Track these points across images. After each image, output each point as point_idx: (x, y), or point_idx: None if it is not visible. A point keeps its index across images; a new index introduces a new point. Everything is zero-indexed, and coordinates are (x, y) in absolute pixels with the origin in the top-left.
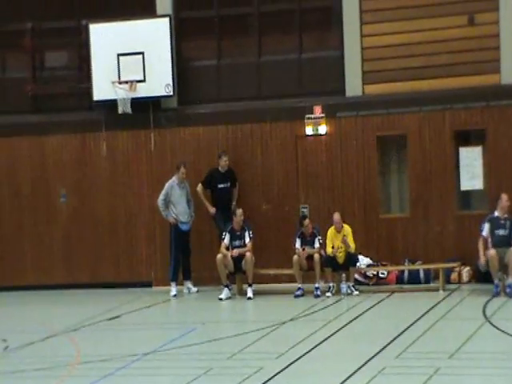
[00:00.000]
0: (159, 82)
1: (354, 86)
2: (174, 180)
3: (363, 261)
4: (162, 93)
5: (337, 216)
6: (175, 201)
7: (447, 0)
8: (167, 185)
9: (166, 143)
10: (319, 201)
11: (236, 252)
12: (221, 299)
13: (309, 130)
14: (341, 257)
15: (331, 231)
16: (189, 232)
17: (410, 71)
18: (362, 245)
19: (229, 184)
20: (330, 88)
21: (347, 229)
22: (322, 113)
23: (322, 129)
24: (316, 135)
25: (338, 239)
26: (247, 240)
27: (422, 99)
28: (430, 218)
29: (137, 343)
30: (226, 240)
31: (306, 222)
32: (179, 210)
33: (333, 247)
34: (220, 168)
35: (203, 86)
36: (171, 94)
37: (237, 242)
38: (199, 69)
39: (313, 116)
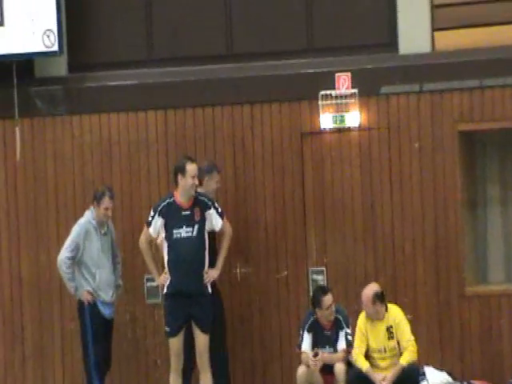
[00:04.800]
0: (31, 26)
1: (414, 34)
2: (89, 219)
3: (434, 377)
4: (38, 47)
5: (369, 290)
6: (93, 259)
7: None
8: (78, 228)
9: (45, 145)
10: (348, 258)
11: None
12: None
13: (326, 120)
14: (386, 368)
15: (362, 320)
16: (112, 321)
17: None
18: (432, 346)
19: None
20: (367, 40)
21: (396, 313)
22: (352, 87)
23: (353, 118)
24: (340, 130)
25: (377, 334)
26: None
27: None
28: None
29: None
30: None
31: (326, 300)
32: (100, 278)
33: (368, 354)
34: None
35: (119, 35)
36: (55, 49)
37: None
38: (109, 3)
39: (334, 93)
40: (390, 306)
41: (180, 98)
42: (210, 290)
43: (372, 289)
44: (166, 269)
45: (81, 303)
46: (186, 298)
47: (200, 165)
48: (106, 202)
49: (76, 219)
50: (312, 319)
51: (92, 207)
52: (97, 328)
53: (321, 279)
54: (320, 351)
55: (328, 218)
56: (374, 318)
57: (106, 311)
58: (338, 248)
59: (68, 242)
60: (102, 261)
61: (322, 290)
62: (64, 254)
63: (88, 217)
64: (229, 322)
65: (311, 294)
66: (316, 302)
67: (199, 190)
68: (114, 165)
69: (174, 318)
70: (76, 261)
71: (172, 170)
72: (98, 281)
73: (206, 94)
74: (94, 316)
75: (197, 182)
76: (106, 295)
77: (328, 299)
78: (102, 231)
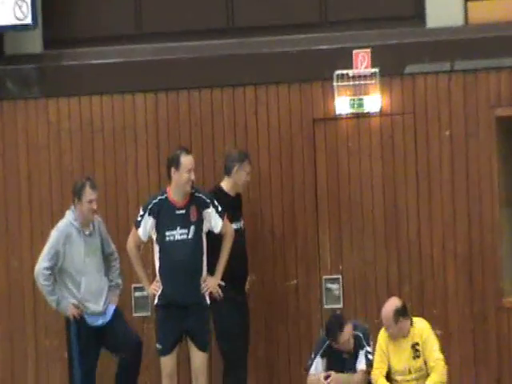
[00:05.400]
0: None
1: (444, 4)
2: (69, 221)
3: None
4: (9, 20)
5: (389, 307)
6: (76, 266)
7: None
8: (57, 233)
9: (16, 133)
10: (367, 265)
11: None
12: None
13: (342, 104)
14: None
15: (383, 336)
16: (112, 327)
17: None
18: (465, 366)
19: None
20: (389, 11)
21: (422, 328)
22: (373, 66)
23: (373, 101)
24: (359, 116)
25: (401, 353)
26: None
27: None
28: None
29: None
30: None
31: (344, 336)
32: (86, 287)
33: (390, 375)
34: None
35: (102, 5)
36: (28, 21)
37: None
38: None
39: (352, 73)
40: (415, 319)
41: (173, 79)
42: (208, 300)
43: (392, 305)
44: (158, 276)
45: (67, 320)
46: (181, 310)
47: (230, 152)
48: (88, 193)
49: (52, 218)
50: (327, 344)
51: (73, 206)
52: (85, 342)
53: (336, 288)
54: (333, 372)
55: (344, 218)
56: (392, 334)
57: (98, 321)
58: (355, 253)
59: (45, 250)
60: (87, 267)
61: (337, 325)
62: (41, 264)
63: (68, 218)
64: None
65: (325, 324)
66: (332, 338)
67: (225, 180)
68: (96, 156)
69: (166, 334)
70: (57, 270)
71: (164, 162)
72: (83, 290)
73: (202, 73)
74: (82, 330)
75: (193, 177)
76: (96, 305)
77: (346, 335)
78: (87, 232)
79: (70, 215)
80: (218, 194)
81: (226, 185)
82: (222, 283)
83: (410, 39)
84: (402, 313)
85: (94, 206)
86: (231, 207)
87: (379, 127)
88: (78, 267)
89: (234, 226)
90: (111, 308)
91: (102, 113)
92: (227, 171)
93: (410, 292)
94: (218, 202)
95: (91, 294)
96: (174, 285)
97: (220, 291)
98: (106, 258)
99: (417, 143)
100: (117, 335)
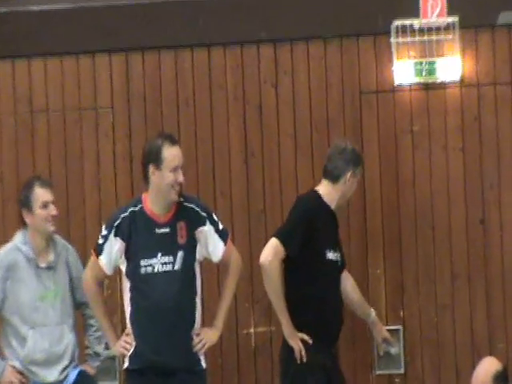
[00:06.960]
0: None
1: None
2: (15, 246)
3: None
4: None
5: (484, 371)
6: (22, 313)
7: None
8: None
9: None
10: (440, 311)
11: None
12: None
13: (404, 71)
14: None
15: None
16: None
17: None
18: None
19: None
20: None
21: None
22: (449, 14)
23: (449, 66)
24: (429, 87)
25: None
26: None
27: None
28: None
29: None
30: None
31: None
32: (35, 345)
33: None
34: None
35: None
36: None
37: None
38: None
39: (418, 24)
40: None
41: (153, 33)
42: (203, 363)
43: (489, 368)
44: (129, 327)
45: None
46: (163, 377)
47: (340, 147)
48: (39, 194)
49: None
50: None
51: (26, 218)
52: None
53: (394, 345)
54: None
55: (406, 241)
56: None
57: None
58: (423, 293)
59: None
60: (40, 315)
61: None
62: None
63: (15, 241)
64: None
65: None
66: None
67: (326, 187)
68: (38, 148)
69: None
70: None
71: (138, 157)
72: (29, 348)
73: (196, 24)
74: None
75: (181, 179)
76: (48, 372)
77: None
78: (43, 263)
79: (18, 237)
80: (319, 206)
81: (326, 193)
82: (308, 339)
83: None
84: (504, 379)
85: (53, 211)
86: (332, 226)
87: (459, 104)
88: (24, 314)
89: (332, 255)
90: (73, 373)
91: (47, 84)
92: (333, 176)
93: (505, 350)
94: (317, 217)
95: (41, 354)
96: (152, 340)
97: (303, 351)
98: (79, 310)
99: None
100: None
